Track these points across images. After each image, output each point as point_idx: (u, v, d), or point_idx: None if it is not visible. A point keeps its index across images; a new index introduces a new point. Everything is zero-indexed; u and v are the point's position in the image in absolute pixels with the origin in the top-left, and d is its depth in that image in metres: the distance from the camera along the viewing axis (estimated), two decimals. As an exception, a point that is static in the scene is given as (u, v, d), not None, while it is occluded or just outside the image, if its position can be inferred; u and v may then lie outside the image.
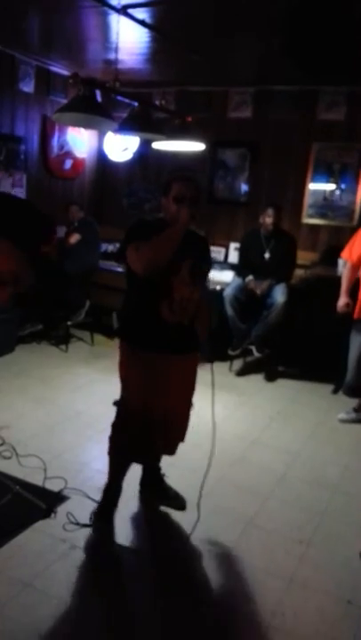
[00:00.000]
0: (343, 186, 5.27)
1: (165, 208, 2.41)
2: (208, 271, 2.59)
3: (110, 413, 3.44)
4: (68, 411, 3.84)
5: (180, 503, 2.81)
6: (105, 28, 4.11)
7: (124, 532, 2.58)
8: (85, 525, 2.54)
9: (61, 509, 2.65)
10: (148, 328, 2.42)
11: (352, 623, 2.12)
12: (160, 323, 2.38)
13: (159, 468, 2.86)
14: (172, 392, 2.51)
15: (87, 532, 2.52)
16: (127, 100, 3.17)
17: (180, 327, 2.42)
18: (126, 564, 2.38)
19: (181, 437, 2.68)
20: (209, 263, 2.63)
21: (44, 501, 2.66)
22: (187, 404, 2.62)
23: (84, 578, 2.26)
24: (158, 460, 2.82)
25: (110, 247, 5.91)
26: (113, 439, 2.62)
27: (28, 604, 2.08)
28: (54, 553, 2.36)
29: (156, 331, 2.40)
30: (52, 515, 2.59)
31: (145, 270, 2.28)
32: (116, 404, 2.61)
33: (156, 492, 2.86)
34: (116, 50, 3.58)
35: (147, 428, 2.49)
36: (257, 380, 4.85)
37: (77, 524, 2.54)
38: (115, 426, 2.61)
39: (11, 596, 2.11)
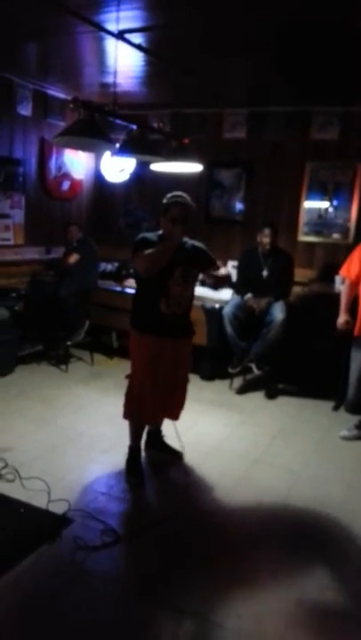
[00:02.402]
0: (337, 204, 5.33)
1: (163, 225, 3.07)
2: (206, 267, 3.22)
3: (112, 434, 3.46)
4: (69, 432, 3.82)
5: (179, 455, 3.53)
6: (101, 53, 4.19)
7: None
8: (94, 548, 2.52)
9: (66, 532, 2.63)
10: (152, 319, 3.11)
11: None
12: (160, 314, 3.08)
13: (160, 431, 3.60)
14: (170, 367, 3.19)
15: (93, 554, 2.49)
16: (125, 123, 3.21)
17: (176, 317, 3.12)
18: (133, 587, 2.35)
19: (181, 405, 3.39)
20: (207, 261, 3.21)
21: (48, 525, 2.64)
22: (183, 378, 3.35)
23: (92, 601, 2.23)
24: (160, 425, 3.59)
25: (109, 267, 5.94)
26: (126, 405, 3.25)
27: (36, 629, 2.05)
28: (61, 577, 2.33)
29: (158, 320, 3.09)
30: (58, 538, 2.57)
31: (146, 272, 2.99)
32: (127, 377, 3.31)
33: (160, 449, 3.57)
34: (115, 74, 3.64)
35: (149, 394, 3.16)
36: (257, 397, 4.85)
37: (86, 547, 2.51)
38: (127, 394, 3.26)
39: (16, 623, 2.08)
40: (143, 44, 3.79)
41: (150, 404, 3.21)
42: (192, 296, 3.25)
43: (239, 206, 5.80)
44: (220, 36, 3.61)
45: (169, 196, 3.07)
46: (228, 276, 3.54)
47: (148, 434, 3.54)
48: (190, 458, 3.51)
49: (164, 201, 3.06)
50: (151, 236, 3.10)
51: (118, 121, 3.11)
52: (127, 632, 2.10)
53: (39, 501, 2.84)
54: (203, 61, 4.19)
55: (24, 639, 2.02)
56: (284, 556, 2.62)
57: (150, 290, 3.09)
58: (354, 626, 2.19)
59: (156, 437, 3.58)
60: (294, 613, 2.23)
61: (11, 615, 2.12)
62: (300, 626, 2.17)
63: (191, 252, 3.16)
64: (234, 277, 5.38)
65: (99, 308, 5.36)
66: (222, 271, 3.38)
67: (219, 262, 3.37)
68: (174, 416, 3.40)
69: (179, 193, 3.07)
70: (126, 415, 3.25)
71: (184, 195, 3.07)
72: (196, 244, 3.22)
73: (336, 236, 5.34)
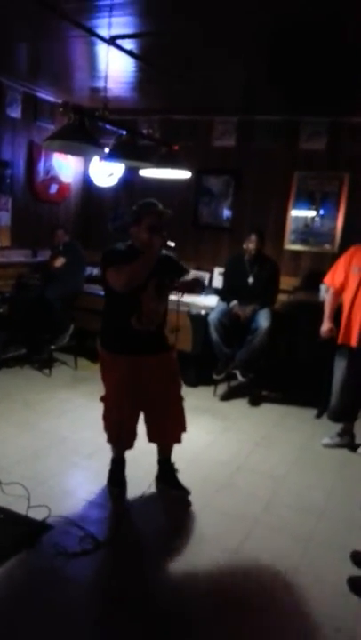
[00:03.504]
0: (324, 213, 5.38)
1: (136, 236, 2.85)
2: (176, 280, 3.01)
3: (96, 439, 3.43)
4: (52, 436, 3.80)
5: (186, 493, 3.14)
6: (93, 58, 4.19)
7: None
8: (74, 555, 2.50)
9: (45, 539, 2.60)
10: (124, 337, 2.91)
11: (341, 653, 2.11)
12: (132, 332, 2.88)
13: (171, 464, 3.22)
14: (147, 386, 2.98)
15: (73, 561, 2.47)
16: (115, 128, 3.22)
17: (149, 334, 2.92)
18: (112, 595, 2.34)
19: (181, 426, 3.10)
20: (179, 272, 3.04)
21: (27, 531, 2.61)
22: (167, 396, 3.04)
23: (71, 609, 2.21)
24: (168, 452, 3.21)
25: (95, 271, 5.91)
26: (106, 430, 3.12)
27: (14, 636, 2.03)
28: (40, 584, 2.31)
29: (130, 339, 2.90)
30: (37, 545, 2.54)
31: (125, 288, 2.74)
32: (102, 399, 3.12)
33: (170, 484, 3.20)
34: (106, 79, 3.65)
35: (129, 417, 3.01)
36: (241, 404, 4.86)
37: (65, 554, 2.49)
38: (104, 419, 3.11)
39: (-6, 629, 2.06)
40: (135, 51, 3.80)
41: (132, 428, 3.04)
42: (165, 311, 3.03)
43: (227, 213, 5.84)
44: (212, 44, 3.64)
45: (141, 203, 2.89)
46: (198, 281, 3.19)
47: (159, 463, 3.22)
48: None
49: (136, 209, 2.88)
50: (120, 246, 2.90)
51: (108, 126, 3.11)
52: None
53: (19, 507, 2.81)
54: (194, 68, 4.22)
55: (1, 646, 2.00)
56: (268, 563, 2.61)
57: (121, 306, 2.87)
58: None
59: (168, 469, 3.21)
60: (284, 624, 2.23)
61: (-12, 622, 2.10)
62: (283, 634, 2.17)
63: (163, 262, 2.94)
64: (219, 284, 5.42)
65: (84, 312, 5.33)
66: (189, 276, 3.11)
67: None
68: (168, 437, 3.13)
69: (152, 201, 2.90)
70: (111, 440, 3.13)
71: (157, 202, 2.90)
72: (167, 253, 3.00)
73: (322, 245, 5.38)
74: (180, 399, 3.09)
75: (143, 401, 3.01)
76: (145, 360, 2.94)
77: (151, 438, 3.10)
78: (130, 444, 3.12)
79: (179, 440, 3.12)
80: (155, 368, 2.98)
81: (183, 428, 3.11)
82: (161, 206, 2.88)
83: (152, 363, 2.96)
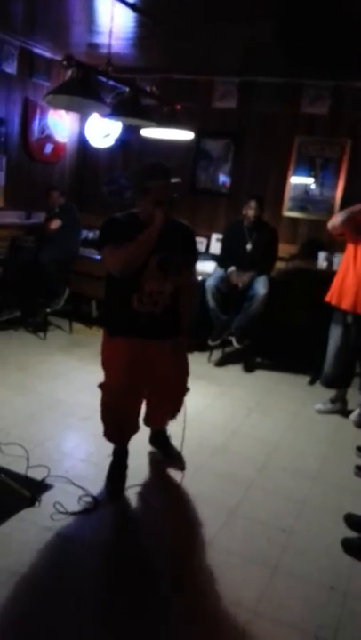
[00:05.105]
0: (324, 180, 5.32)
1: (142, 207, 2.51)
2: (189, 260, 2.75)
3: (91, 401, 3.42)
4: (48, 399, 3.80)
5: (180, 464, 3.08)
6: (92, 11, 4.03)
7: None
8: (74, 513, 2.54)
9: (45, 498, 2.63)
10: (123, 318, 2.64)
11: (336, 608, 2.17)
12: (132, 313, 2.59)
13: (165, 431, 3.16)
14: (150, 373, 2.75)
15: (73, 520, 2.51)
16: (117, 85, 3.12)
17: (153, 317, 2.62)
18: (111, 552, 2.38)
19: (172, 413, 3.01)
20: (190, 252, 2.76)
21: (27, 490, 2.64)
22: (170, 385, 2.87)
23: (71, 566, 2.25)
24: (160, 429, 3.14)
25: (91, 234, 5.85)
26: (102, 421, 2.86)
27: (15, 593, 2.07)
28: (40, 542, 2.34)
29: (130, 320, 2.61)
30: (37, 503, 2.57)
31: (122, 273, 2.47)
32: (100, 386, 2.82)
33: (162, 448, 3.16)
34: (110, 34, 3.51)
35: (125, 406, 2.77)
36: (236, 370, 4.89)
37: (66, 512, 2.53)
38: (101, 407, 2.84)
39: (-3, 584, 2.09)
40: (137, 4, 3.66)
41: (128, 418, 2.82)
42: (173, 292, 2.65)
43: (225, 178, 5.74)
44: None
45: (148, 167, 2.49)
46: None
47: (152, 430, 3.18)
48: (169, 428, 3.52)
49: (140, 174, 2.50)
50: (121, 217, 2.54)
51: (111, 82, 3.02)
52: (104, 597, 2.13)
53: (18, 467, 2.83)
54: (197, 25, 4.07)
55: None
56: (264, 524, 2.67)
57: (121, 283, 2.55)
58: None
59: (161, 436, 3.19)
60: (279, 583, 2.29)
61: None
62: (278, 593, 2.23)
63: (173, 235, 2.59)
64: (217, 250, 5.38)
65: (79, 276, 5.29)
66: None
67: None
68: (159, 423, 3.09)
69: (159, 163, 2.50)
70: (106, 434, 2.88)
71: (166, 166, 2.49)
72: (183, 223, 2.70)
73: (320, 212, 5.33)
74: (184, 389, 2.92)
75: (144, 388, 2.80)
76: (146, 344, 2.65)
77: (147, 423, 3.06)
78: (127, 437, 2.91)
79: (162, 424, 3.11)
80: (157, 354, 2.71)
81: (174, 416, 3.04)
82: (170, 171, 2.47)
83: (155, 348, 2.68)
